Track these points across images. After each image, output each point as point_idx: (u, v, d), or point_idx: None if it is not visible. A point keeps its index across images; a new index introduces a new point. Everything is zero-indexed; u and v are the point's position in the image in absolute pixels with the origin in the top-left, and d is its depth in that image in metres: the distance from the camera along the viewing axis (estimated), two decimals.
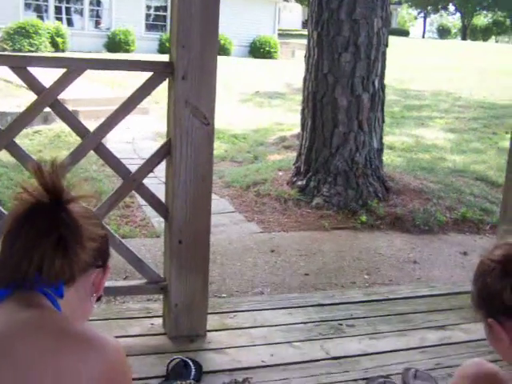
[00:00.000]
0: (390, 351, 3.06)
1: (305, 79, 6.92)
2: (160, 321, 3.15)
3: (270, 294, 4.44)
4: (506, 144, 3.69)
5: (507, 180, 3.71)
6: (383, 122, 7.01)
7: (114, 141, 8.18)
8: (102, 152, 2.85)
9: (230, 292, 4.44)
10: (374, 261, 5.31)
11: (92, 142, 2.79)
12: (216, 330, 3.16)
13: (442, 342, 3.20)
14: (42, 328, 1.20)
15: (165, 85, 2.87)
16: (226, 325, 3.24)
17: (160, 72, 2.81)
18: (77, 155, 2.76)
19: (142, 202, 5.94)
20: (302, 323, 3.33)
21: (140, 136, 9.71)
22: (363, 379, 2.74)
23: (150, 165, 2.92)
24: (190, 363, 2.65)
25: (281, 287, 4.60)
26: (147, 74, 2.84)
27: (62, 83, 2.71)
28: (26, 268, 1.23)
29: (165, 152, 2.89)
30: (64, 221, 1.24)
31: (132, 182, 2.89)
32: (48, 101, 2.70)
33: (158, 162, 2.93)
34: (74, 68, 2.73)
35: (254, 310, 3.45)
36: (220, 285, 4.53)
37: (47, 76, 2.87)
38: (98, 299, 1.47)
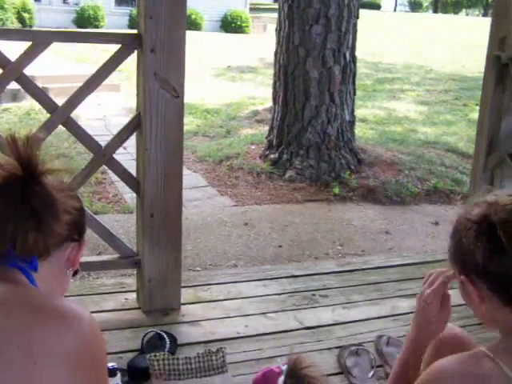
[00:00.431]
0: (363, 320, 3.10)
1: (276, 52, 6.89)
2: (134, 295, 3.15)
3: (244, 266, 4.46)
4: (476, 116, 3.74)
5: (476, 151, 3.75)
6: (355, 94, 7.02)
7: (85, 118, 8.09)
8: (71, 127, 2.82)
9: (204, 265, 4.44)
10: (347, 232, 5.35)
11: (61, 115, 2.74)
12: (190, 303, 3.17)
13: (413, 309, 3.17)
14: (16, 303, 1.18)
15: (136, 60, 2.83)
16: (200, 298, 3.26)
17: (128, 44, 2.77)
18: (46, 130, 2.73)
19: (114, 178, 5.90)
20: (275, 294, 3.35)
21: (111, 113, 9.60)
22: (336, 348, 2.77)
23: (119, 139, 2.89)
24: (165, 336, 2.66)
25: (254, 260, 4.62)
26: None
27: (29, 56, 2.65)
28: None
29: (134, 126, 2.86)
30: (38, 194, 1.21)
31: (102, 156, 2.87)
32: (14, 75, 2.65)
33: (128, 136, 2.91)
34: (40, 41, 2.68)
35: (227, 283, 3.47)
36: (194, 258, 4.53)
37: (12, 51, 2.81)
38: (75, 274, 1.45)
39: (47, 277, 1.32)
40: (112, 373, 2.11)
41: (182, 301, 3.12)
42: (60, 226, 1.24)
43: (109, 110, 9.74)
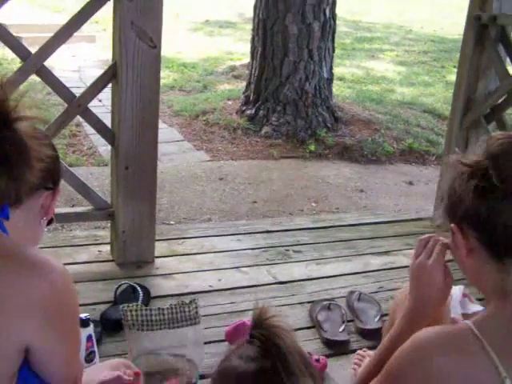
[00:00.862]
0: (335, 276, 3.13)
1: (255, 7, 6.78)
2: (107, 248, 3.15)
3: (218, 221, 4.47)
4: (454, 78, 3.74)
5: (452, 110, 3.76)
6: (333, 52, 6.95)
7: (59, 69, 7.91)
8: (45, 76, 2.75)
9: (178, 219, 4.44)
10: (322, 189, 5.37)
11: (34, 63, 2.67)
12: (164, 257, 3.17)
13: (385, 266, 3.29)
14: None
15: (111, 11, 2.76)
16: (174, 251, 3.26)
17: None
18: (19, 78, 2.66)
19: (89, 130, 5.83)
20: (249, 249, 3.37)
21: (87, 64, 9.41)
22: (309, 302, 2.80)
23: (94, 89, 2.84)
24: (138, 288, 2.66)
25: (229, 214, 4.63)
26: None
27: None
28: None
29: (110, 76, 2.81)
30: (10, 139, 1.16)
31: (77, 107, 2.82)
32: None
33: (103, 87, 2.86)
34: None
35: (201, 237, 3.48)
36: (168, 212, 4.52)
37: None
38: (49, 223, 1.43)
39: (19, 225, 1.30)
40: (85, 323, 2.10)
41: (156, 254, 3.12)
42: (32, 174, 1.19)
43: (84, 62, 9.55)
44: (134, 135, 2.81)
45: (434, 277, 1.60)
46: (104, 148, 5.48)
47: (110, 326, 2.46)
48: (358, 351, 2.37)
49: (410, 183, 5.77)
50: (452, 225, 1.36)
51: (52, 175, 1.36)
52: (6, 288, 1.12)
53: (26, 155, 1.18)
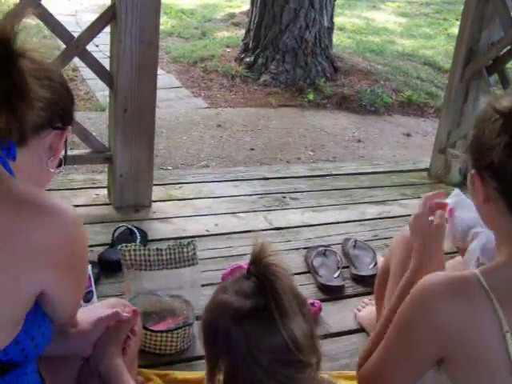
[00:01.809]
0: (331, 223, 3.15)
1: None
2: (105, 191, 3.15)
3: (216, 167, 4.47)
4: (456, 30, 3.70)
5: (454, 61, 3.72)
6: (335, 0, 6.85)
7: (55, 12, 7.75)
8: (41, 15, 2.70)
9: (176, 165, 4.44)
10: (320, 138, 5.36)
11: (31, 1, 2.63)
12: (161, 201, 3.18)
13: (380, 215, 3.31)
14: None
15: None
16: (171, 196, 3.27)
17: None
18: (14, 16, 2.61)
19: (86, 75, 5.77)
20: (246, 195, 3.38)
21: (83, 8, 9.25)
22: (304, 248, 2.83)
23: (92, 30, 2.80)
24: (136, 231, 2.67)
25: (226, 161, 4.63)
26: None
27: None
28: None
29: (109, 17, 2.76)
30: (12, 75, 1.12)
31: (75, 48, 2.78)
32: None
33: (102, 27, 2.81)
34: None
35: (199, 182, 3.48)
36: (166, 158, 4.52)
37: None
38: (59, 166, 1.38)
39: (26, 166, 1.26)
40: None
41: (153, 198, 3.13)
42: (33, 113, 1.16)
43: (80, 5, 9.39)
44: (132, 77, 2.78)
45: (441, 231, 1.61)
46: (101, 93, 5.43)
47: (107, 268, 2.48)
48: (364, 299, 2.41)
49: (408, 135, 5.76)
50: (473, 170, 1.31)
51: (60, 114, 1.29)
52: (19, 234, 1.10)
53: (27, 93, 1.14)
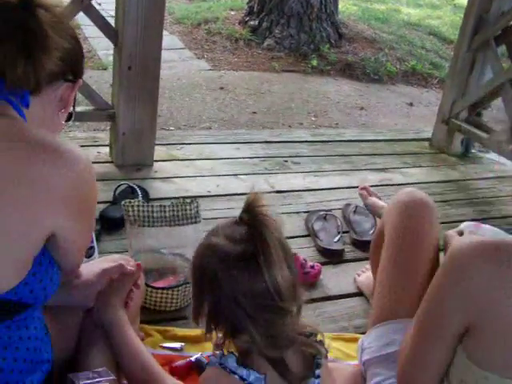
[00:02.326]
0: (332, 188, 3.15)
1: None
2: (107, 150, 3.13)
3: (218, 129, 4.46)
4: (462, 1, 3.66)
5: (462, 30, 3.68)
6: None
7: None
8: None
9: (178, 126, 4.42)
10: (322, 104, 5.34)
11: None
12: (163, 161, 3.17)
13: (382, 182, 3.31)
14: (11, 137, 1.15)
15: None
16: (173, 156, 3.26)
17: None
18: None
19: (88, 33, 5.70)
20: (248, 158, 3.38)
21: None
22: (305, 212, 2.83)
23: None
24: (137, 189, 2.66)
25: (228, 123, 4.61)
26: None
27: None
28: None
29: None
30: (31, 24, 1.16)
31: (80, 2, 2.74)
32: None
33: None
34: None
35: (201, 144, 3.47)
36: (168, 118, 4.50)
37: None
38: (68, 119, 1.39)
39: (38, 115, 1.27)
40: None
41: (155, 158, 3.12)
42: (51, 62, 1.19)
43: None
44: (138, 34, 2.75)
45: None
46: (103, 52, 5.38)
47: (108, 225, 2.49)
48: (366, 265, 2.41)
49: (411, 104, 5.74)
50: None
51: (72, 67, 1.30)
52: (33, 175, 1.13)
53: (46, 42, 1.17)
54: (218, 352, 1.22)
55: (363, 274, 2.37)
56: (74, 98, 1.37)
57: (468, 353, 1.22)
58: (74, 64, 1.31)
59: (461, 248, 1.23)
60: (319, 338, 1.27)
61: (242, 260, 1.14)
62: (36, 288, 1.20)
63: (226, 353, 1.20)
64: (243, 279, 1.14)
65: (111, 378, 1.41)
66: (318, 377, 1.20)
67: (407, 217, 1.79)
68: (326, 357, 1.27)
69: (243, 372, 1.15)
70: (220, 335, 1.21)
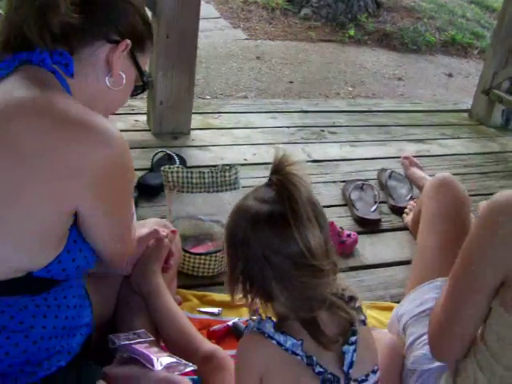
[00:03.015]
0: (369, 158, 3.14)
1: None
2: (144, 118, 3.15)
3: (254, 98, 4.44)
4: None
5: (505, 1, 3.60)
6: None
7: None
8: None
9: (214, 95, 4.42)
10: (359, 74, 5.28)
11: None
12: (200, 129, 3.18)
13: (419, 153, 3.28)
14: (46, 111, 1.10)
15: None
16: (210, 124, 3.27)
17: None
18: None
19: None
20: (284, 127, 3.37)
21: None
22: (342, 181, 2.82)
23: None
24: (175, 156, 2.68)
25: (265, 93, 4.59)
26: None
27: None
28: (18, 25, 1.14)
29: None
30: None
31: None
32: None
33: None
34: None
35: (237, 113, 3.47)
36: (204, 87, 4.49)
37: None
38: (138, 91, 1.34)
39: (83, 83, 1.22)
40: None
41: (192, 126, 3.13)
42: (63, 13, 1.12)
43: None
44: (176, 3, 2.74)
45: None
46: None
47: (146, 191, 2.51)
48: (410, 202, 2.55)
49: (450, 75, 5.63)
50: None
51: (116, 26, 1.21)
52: (62, 149, 1.09)
53: None
54: (256, 317, 1.22)
55: (411, 213, 2.44)
56: (138, 67, 1.29)
57: (505, 307, 1.22)
58: (116, 22, 1.21)
59: (496, 200, 1.23)
60: (359, 303, 1.25)
61: (271, 220, 1.13)
62: (69, 266, 1.19)
63: (263, 318, 1.20)
64: (274, 239, 1.13)
65: (150, 339, 1.44)
66: (353, 343, 1.18)
67: (443, 195, 1.89)
68: (365, 323, 1.26)
69: (280, 338, 1.15)
70: (256, 300, 1.21)
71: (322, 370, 1.14)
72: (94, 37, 1.19)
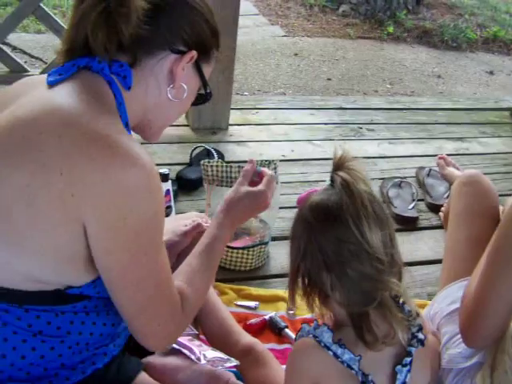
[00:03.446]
0: (408, 156, 3.12)
1: None
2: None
3: (292, 95, 4.45)
4: None
5: None
6: None
7: None
8: None
9: (252, 91, 4.43)
10: (398, 72, 5.24)
11: None
12: (238, 125, 3.20)
13: (458, 152, 3.25)
14: (74, 124, 1.03)
15: None
16: (248, 120, 3.28)
17: None
18: None
19: None
20: (322, 124, 3.37)
21: None
22: (380, 179, 2.81)
23: None
24: (213, 151, 2.70)
25: (303, 90, 4.59)
26: None
27: None
28: (78, 31, 1.10)
29: None
30: None
31: None
32: None
33: None
34: None
35: (275, 109, 3.48)
36: (242, 83, 4.51)
37: None
38: (199, 101, 1.28)
39: (141, 93, 1.17)
40: (164, 177, 2.18)
41: (230, 122, 3.15)
42: (134, 22, 1.08)
43: None
44: None
45: None
46: None
47: (185, 185, 2.54)
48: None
49: (491, 73, 5.55)
50: None
51: (183, 36, 1.15)
52: (80, 169, 1.01)
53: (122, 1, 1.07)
54: (313, 321, 1.20)
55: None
56: (202, 77, 1.23)
57: None
58: (184, 33, 1.16)
59: None
60: (419, 321, 1.22)
61: (331, 214, 1.13)
62: (103, 290, 1.12)
63: (319, 323, 1.18)
64: (333, 234, 1.12)
65: (194, 332, 1.46)
66: (407, 365, 1.16)
67: (470, 192, 1.89)
68: (423, 344, 1.20)
69: (338, 350, 1.13)
70: (315, 299, 1.19)
71: None
72: (159, 47, 1.15)
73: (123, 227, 1.03)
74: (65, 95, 1.08)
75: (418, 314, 1.21)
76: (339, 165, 1.16)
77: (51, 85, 1.11)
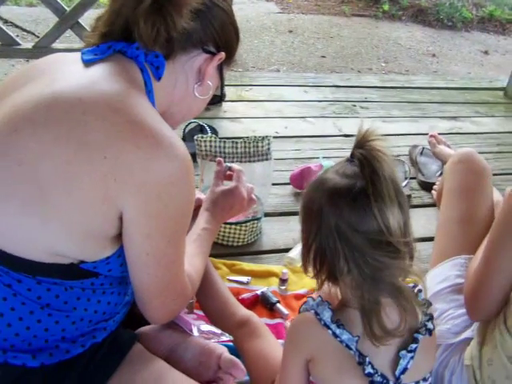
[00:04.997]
0: (401, 134, 3.11)
1: None
2: None
3: (286, 72, 4.43)
4: None
5: None
6: None
7: None
8: None
9: (246, 67, 4.41)
10: (393, 50, 5.22)
11: None
12: (232, 101, 3.20)
13: (451, 131, 3.25)
14: (118, 111, 1.05)
15: None
16: (242, 97, 3.28)
17: None
18: None
19: None
20: (316, 101, 3.37)
21: None
22: None
23: None
24: (206, 127, 2.70)
25: (297, 67, 4.57)
26: None
27: None
28: (119, 17, 1.13)
29: None
30: None
31: None
32: None
33: None
34: None
35: (269, 85, 3.48)
36: (236, 60, 4.48)
37: None
38: (213, 102, 1.34)
39: (170, 85, 1.22)
40: None
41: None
42: (183, 20, 1.12)
43: None
44: None
45: None
46: None
47: None
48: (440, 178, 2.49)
49: (486, 52, 5.53)
50: None
51: (214, 38, 1.22)
52: (124, 156, 1.03)
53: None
54: (317, 297, 1.18)
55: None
56: (222, 78, 1.31)
57: None
58: (216, 35, 1.22)
59: None
60: (430, 311, 1.20)
61: (350, 194, 1.08)
62: (115, 268, 1.15)
63: (323, 300, 1.16)
64: (350, 213, 1.08)
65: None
66: (412, 351, 1.13)
67: (463, 170, 1.89)
68: (431, 333, 1.18)
69: (336, 330, 1.11)
70: (325, 281, 1.16)
71: (372, 371, 1.11)
72: (193, 45, 1.21)
73: (164, 215, 1.09)
74: (106, 77, 1.11)
75: (430, 304, 1.20)
76: (362, 143, 1.12)
77: (88, 63, 1.14)
